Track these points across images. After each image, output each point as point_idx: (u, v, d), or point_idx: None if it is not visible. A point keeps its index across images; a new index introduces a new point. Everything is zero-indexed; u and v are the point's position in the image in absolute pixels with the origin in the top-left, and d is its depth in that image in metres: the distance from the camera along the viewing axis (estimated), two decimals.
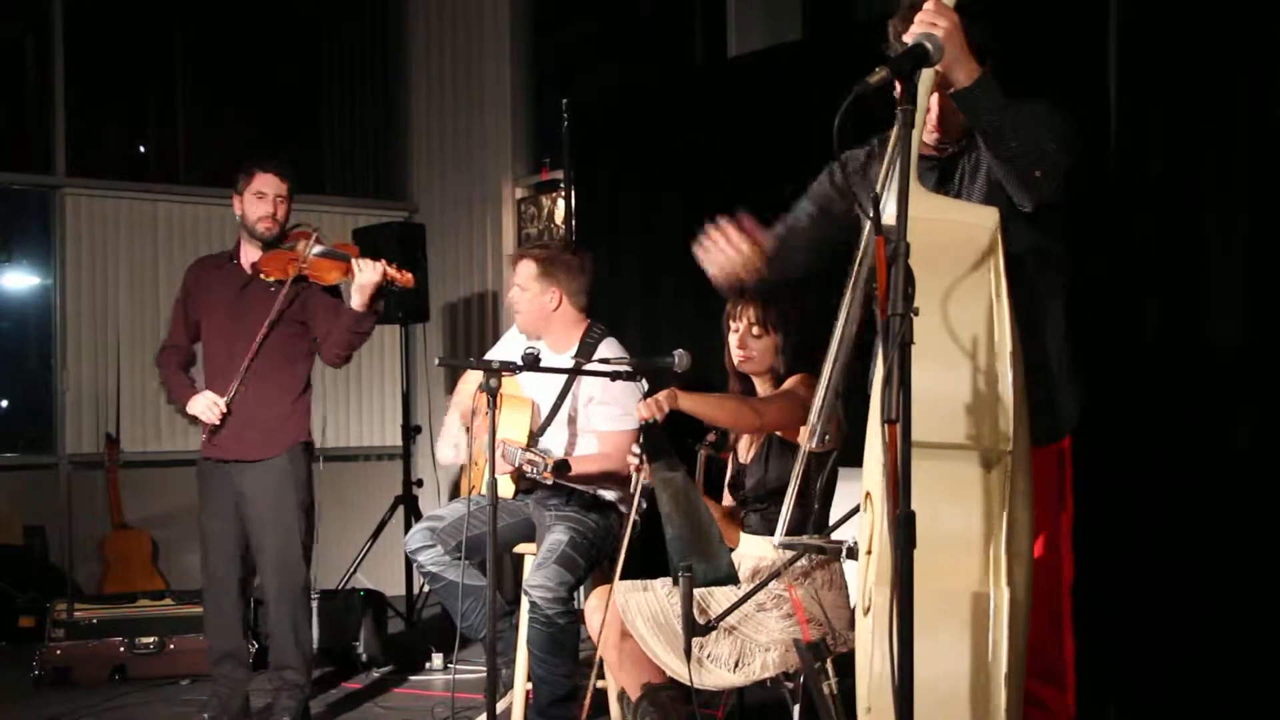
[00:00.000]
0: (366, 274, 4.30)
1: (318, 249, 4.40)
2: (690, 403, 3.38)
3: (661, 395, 3.33)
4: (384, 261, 4.34)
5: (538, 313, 4.32)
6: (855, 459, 2.55)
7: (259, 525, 4.45)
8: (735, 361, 3.65)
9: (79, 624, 5.41)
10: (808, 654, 2.84)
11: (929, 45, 2.38)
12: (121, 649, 5.40)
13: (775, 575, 3.20)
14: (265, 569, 4.48)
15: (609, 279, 5.52)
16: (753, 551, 3.52)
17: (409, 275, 4.37)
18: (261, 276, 4.44)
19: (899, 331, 2.09)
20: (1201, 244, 3.77)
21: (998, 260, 2.40)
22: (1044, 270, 2.70)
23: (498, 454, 4.06)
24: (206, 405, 4.41)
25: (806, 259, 3.10)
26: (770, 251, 3.07)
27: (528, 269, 4.32)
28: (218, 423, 4.41)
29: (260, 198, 4.46)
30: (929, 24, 2.47)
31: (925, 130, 2.66)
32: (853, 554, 2.57)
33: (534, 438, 4.26)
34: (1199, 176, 3.77)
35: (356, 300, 4.35)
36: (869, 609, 2.33)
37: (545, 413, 4.32)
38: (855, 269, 2.60)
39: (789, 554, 3.15)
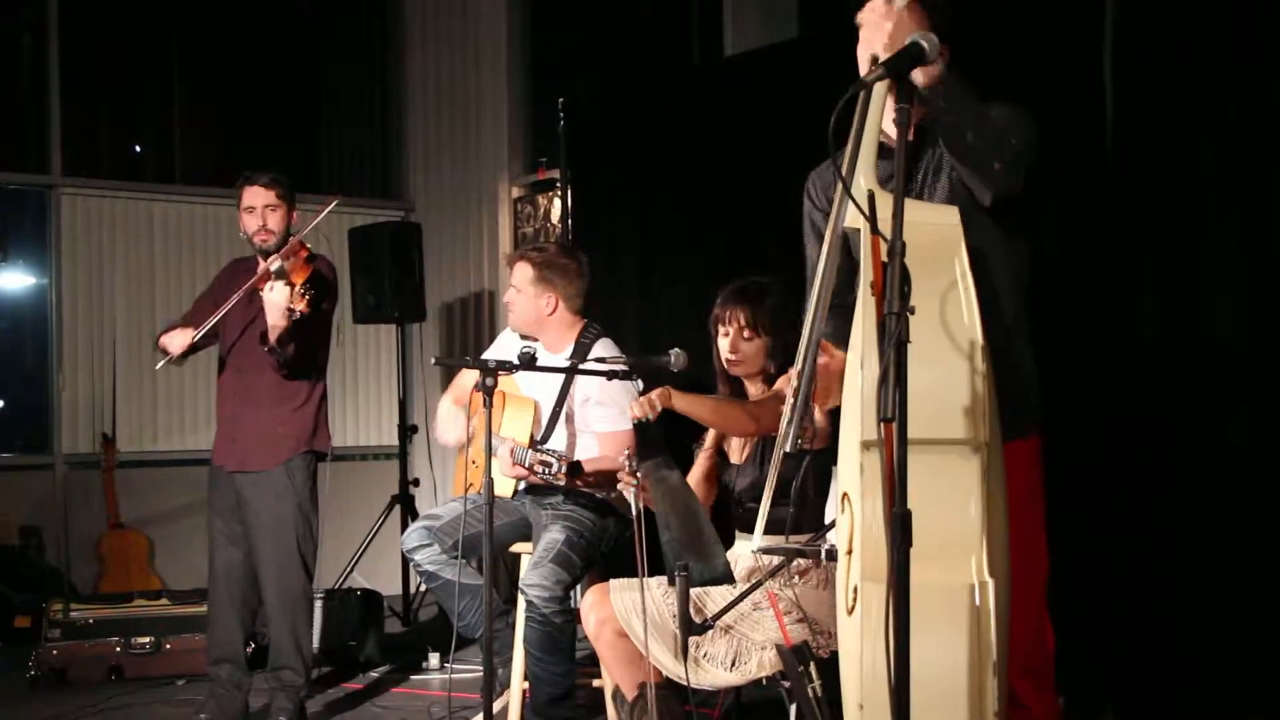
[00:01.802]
0: (273, 294, 4.23)
1: (275, 265, 4.34)
2: (684, 403, 3.38)
3: (655, 394, 3.32)
4: (292, 290, 4.22)
5: (533, 315, 4.32)
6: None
7: (259, 532, 4.47)
8: (726, 364, 3.65)
9: (75, 624, 5.40)
10: (790, 658, 2.84)
11: (924, 44, 2.38)
12: (118, 649, 5.39)
13: (771, 575, 3.20)
14: (265, 575, 4.50)
15: (605, 278, 5.52)
16: (748, 551, 3.52)
17: (304, 304, 4.22)
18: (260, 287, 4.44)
19: (895, 330, 2.09)
20: (1198, 241, 3.77)
21: (963, 258, 2.42)
22: (1004, 267, 2.70)
23: (506, 454, 4.06)
24: (175, 334, 4.47)
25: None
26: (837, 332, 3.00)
27: (524, 272, 4.31)
28: (176, 354, 4.43)
29: (250, 212, 4.48)
30: (873, 24, 2.48)
31: (888, 121, 2.63)
32: (832, 556, 2.57)
33: (535, 441, 4.25)
34: (1196, 173, 3.78)
35: (268, 319, 4.28)
36: (853, 608, 2.34)
37: (546, 414, 4.32)
38: (821, 269, 2.59)
39: (770, 558, 3.14)
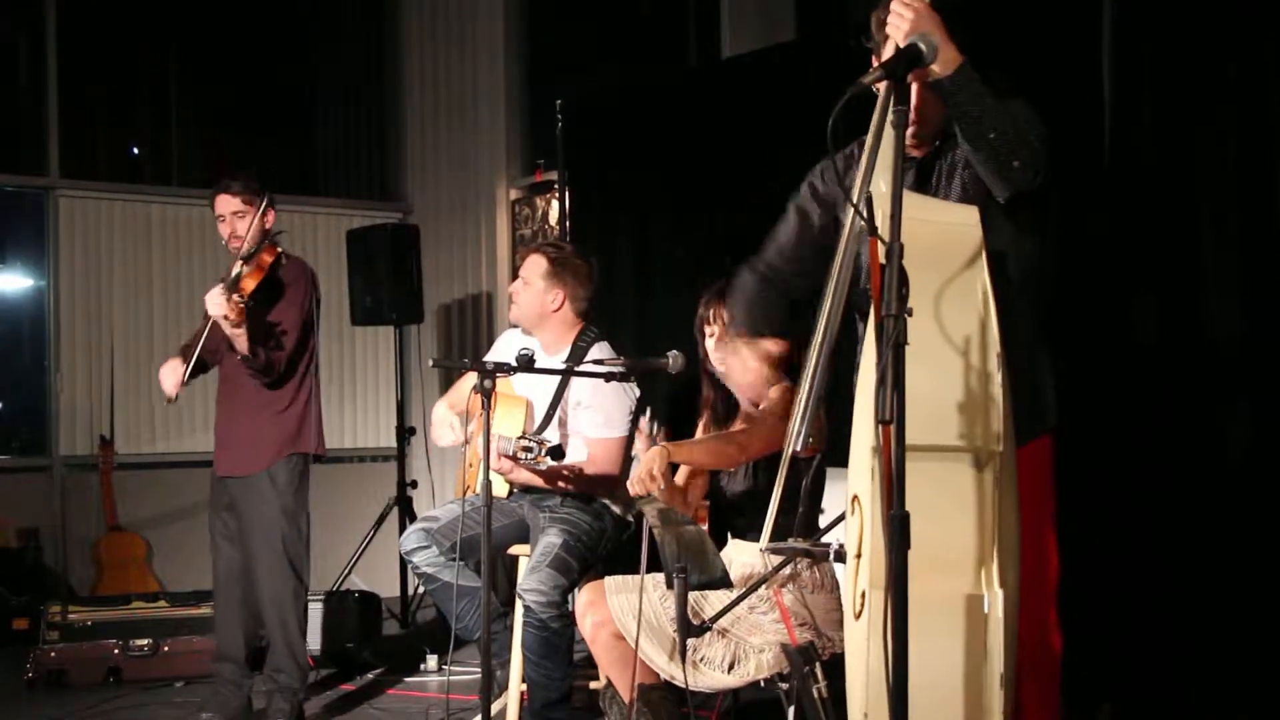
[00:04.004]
0: (210, 306, 4.23)
1: (234, 272, 4.32)
2: (681, 454, 3.42)
3: (654, 463, 3.32)
4: (229, 298, 4.19)
5: (537, 309, 4.32)
6: (843, 460, 2.56)
7: (248, 536, 4.50)
8: (715, 363, 3.66)
9: (73, 626, 5.40)
10: (796, 658, 2.84)
11: (922, 46, 2.38)
12: (116, 651, 5.39)
13: (764, 581, 3.20)
14: (257, 578, 4.52)
15: (603, 280, 5.50)
16: (742, 557, 3.52)
17: (236, 312, 4.19)
18: None
19: (893, 332, 2.09)
20: (1196, 240, 3.78)
21: (983, 259, 2.41)
22: (1018, 266, 2.71)
23: (492, 448, 4.06)
24: (167, 371, 4.54)
25: (779, 300, 3.08)
26: (752, 296, 3.07)
27: (537, 265, 4.31)
28: (172, 395, 4.51)
29: (221, 220, 4.51)
30: (899, 12, 2.48)
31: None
32: (840, 556, 2.56)
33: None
34: (1193, 174, 3.78)
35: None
36: (860, 613, 2.32)
37: (540, 415, 4.32)
38: (835, 270, 2.59)
39: (775, 559, 3.15)
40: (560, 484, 4.18)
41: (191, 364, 4.49)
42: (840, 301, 2.54)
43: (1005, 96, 2.61)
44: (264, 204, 4.52)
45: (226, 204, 4.50)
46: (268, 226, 4.51)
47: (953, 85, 2.52)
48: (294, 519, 4.52)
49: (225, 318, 4.20)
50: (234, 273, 4.33)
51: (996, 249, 2.50)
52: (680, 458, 3.41)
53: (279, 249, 4.46)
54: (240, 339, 4.26)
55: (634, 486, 3.33)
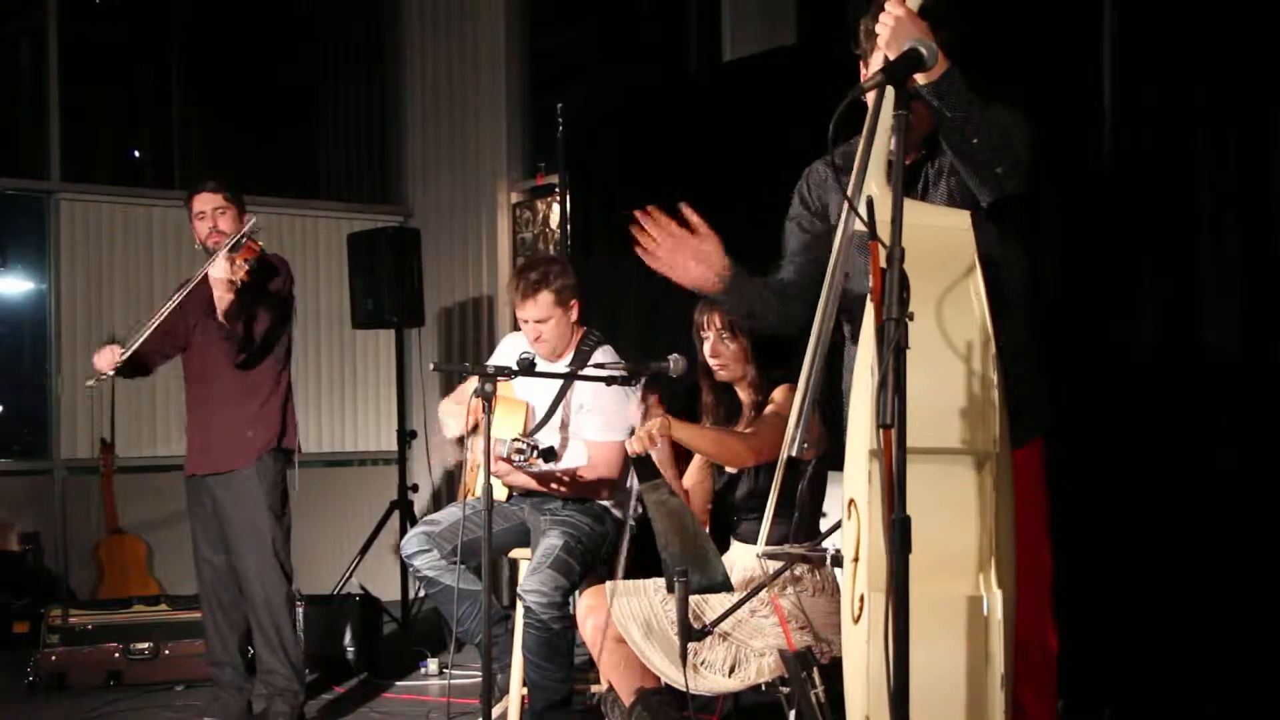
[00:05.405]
0: (214, 269, 4.23)
1: (225, 250, 4.33)
2: (684, 433, 3.42)
3: (655, 427, 3.33)
4: (232, 263, 4.21)
5: (567, 333, 4.30)
6: (842, 463, 2.56)
7: (235, 538, 4.50)
8: (713, 368, 3.66)
9: (74, 629, 5.41)
10: (794, 663, 2.84)
11: (923, 50, 2.37)
12: (116, 654, 5.39)
13: (764, 585, 3.20)
14: (247, 582, 4.52)
15: (604, 284, 5.52)
16: (744, 561, 3.52)
17: (243, 273, 4.22)
18: None
19: (894, 336, 2.09)
20: (1195, 243, 3.78)
21: (975, 262, 2.41)
22: (1008, 269, 2.71)
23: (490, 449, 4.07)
24: (105, 350, 4.51)
25: (805, 311, 2.87)
26: (764, 306, 2.99)
27: (547, 300, 4.24)
28: (107, 371, 4.47)
29: (201, 218, 4.53)
30: (884, 23, 2.49)
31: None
32: (837, 561, 2.56)
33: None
34: (1193, 181, 3.78)
35: (215, 294, 4.28)
36: (859, 617, 2.32)
37: (539, 418, 4.32)
38: (829, 275, 2.59)
39: (772, 564, 3.15)
40: (554, 486, 4.18)
41: (131, 350, 4.44)
42: (834, 306, 2.54)
43: (991, 101, 2.61)
44: (240, 203, 4.57)
45: (209, 201, 4.51)
46: (243, 225, 4.50)
47: (938, 89, 2.52)
48: (280, 518, 4.53)
49: (230, 281, 4.20)
50: (222, 252, 4.29)
51: (985, 252, 2.50)
52: (681, 434, 3.41)
53: (259, 243, 4.46)
54: (228, 302, 4.25)
55: (633, 445, 3.34)
